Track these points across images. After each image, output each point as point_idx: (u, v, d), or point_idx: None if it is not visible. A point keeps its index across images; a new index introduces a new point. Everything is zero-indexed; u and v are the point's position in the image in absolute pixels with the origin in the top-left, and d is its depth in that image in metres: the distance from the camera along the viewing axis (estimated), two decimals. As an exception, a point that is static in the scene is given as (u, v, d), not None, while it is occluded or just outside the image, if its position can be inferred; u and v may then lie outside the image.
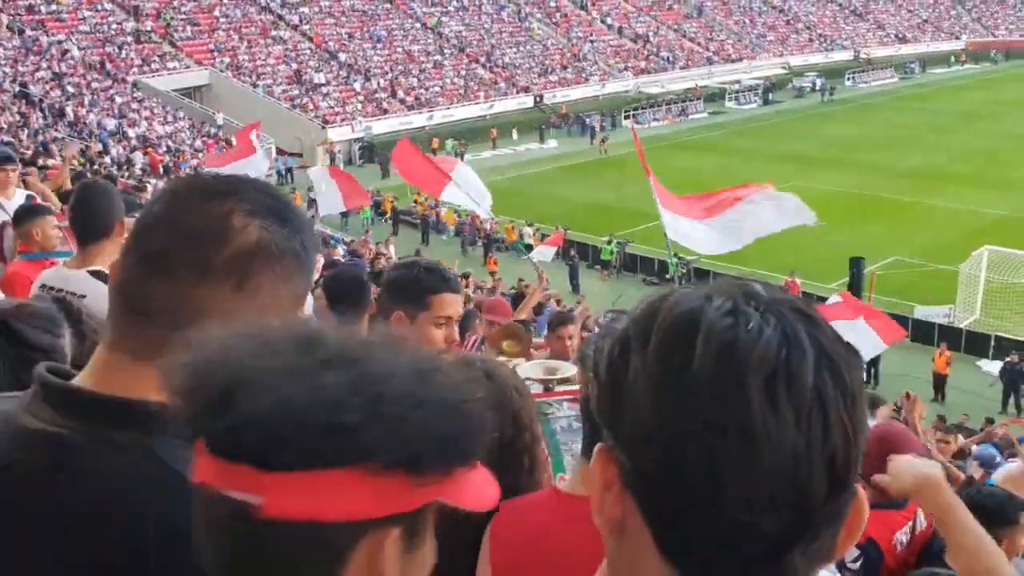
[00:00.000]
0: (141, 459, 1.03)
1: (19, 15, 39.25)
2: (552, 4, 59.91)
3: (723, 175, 35.95)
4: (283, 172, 35.22)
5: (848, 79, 60.39)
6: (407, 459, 0.81)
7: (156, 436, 1.04)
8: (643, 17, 62.42)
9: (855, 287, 19.17)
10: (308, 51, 46.44)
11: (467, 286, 15.69)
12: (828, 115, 50.04)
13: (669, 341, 0.74)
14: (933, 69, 65.97)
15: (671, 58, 58.59)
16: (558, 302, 13.92)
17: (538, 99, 49.18)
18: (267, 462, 0.79)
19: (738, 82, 55.94)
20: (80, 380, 1.11)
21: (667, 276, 25.83)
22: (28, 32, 38.32)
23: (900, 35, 72.52)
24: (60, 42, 38.75)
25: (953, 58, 68.94)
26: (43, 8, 40.42)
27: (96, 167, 23.63)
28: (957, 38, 74.76)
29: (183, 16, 44.49)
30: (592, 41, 57.43)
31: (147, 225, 1.12)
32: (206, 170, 14.28)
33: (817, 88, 56.11)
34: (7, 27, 38.05)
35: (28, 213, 4.50)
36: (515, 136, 44.74)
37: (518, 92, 49.75)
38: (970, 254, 23.72)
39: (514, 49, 53.56)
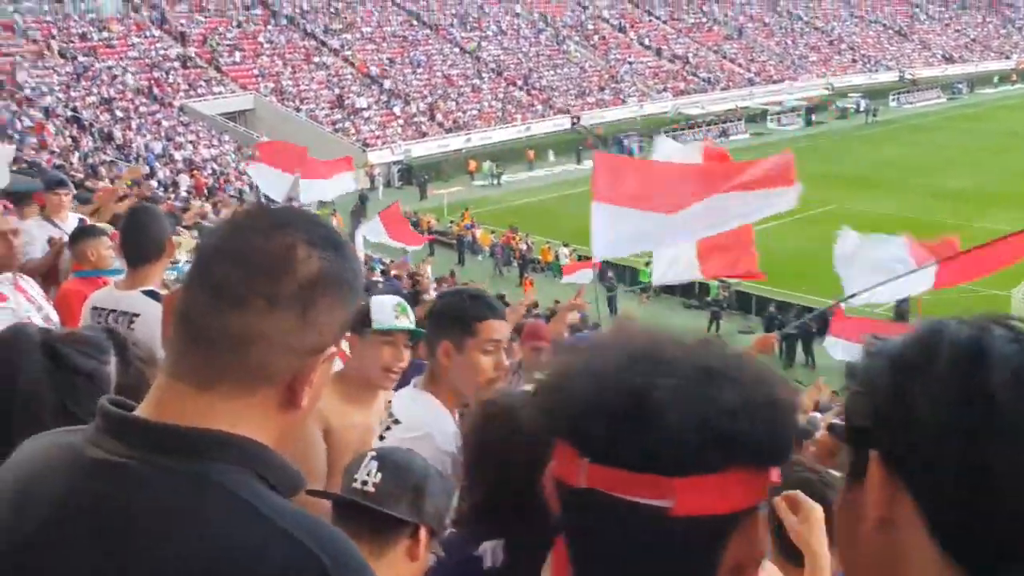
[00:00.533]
0: (205, 487, 1.06)
1: (72, 42, 40.29)
2: (590, 26, 60.21)
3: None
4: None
5: (893, 100, 59.79)
6: (778, 454, 0.98)
7: (216, 464, 1.07)
8: (682, 39, 62.47)
9: (902, 312, 18.84)
10: (350, 76, 47.06)
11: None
12: (872, 136, 49.57)
13: (961, 364, 0.85)
14: (982, 89, 65.06)
15: (711, 79, 58.54)
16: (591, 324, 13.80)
17: (575, 120, 49.30)
18: (677, 470, 0.93)
19: (780, 103, 55.67)
20: (142, 409, 1.13)
21: (708, 299, 25.71)
22: (80, 58, 39.30)
23: (947, 55, 71.81)
24: (110, 68, 39.68)
25: (998, 78, 67.87)
26: (95, 35, 41.45)
27: (142, 189, 24.08)
28: (1007, 57, 73.55)
29: (228, 42, 45.35)
30: (630, 63, 57.57)
31: (213, 256, 1.14)
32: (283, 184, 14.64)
33: (861, 109, 55.67)
34: (59, 54, 39.04)
35: (83, 234, 4.63)
36: (552, 157, 44.89)
37: (555, 114, 49.98)
38: (1023, 278, 23.22)
39: (551, 72, 53.85)
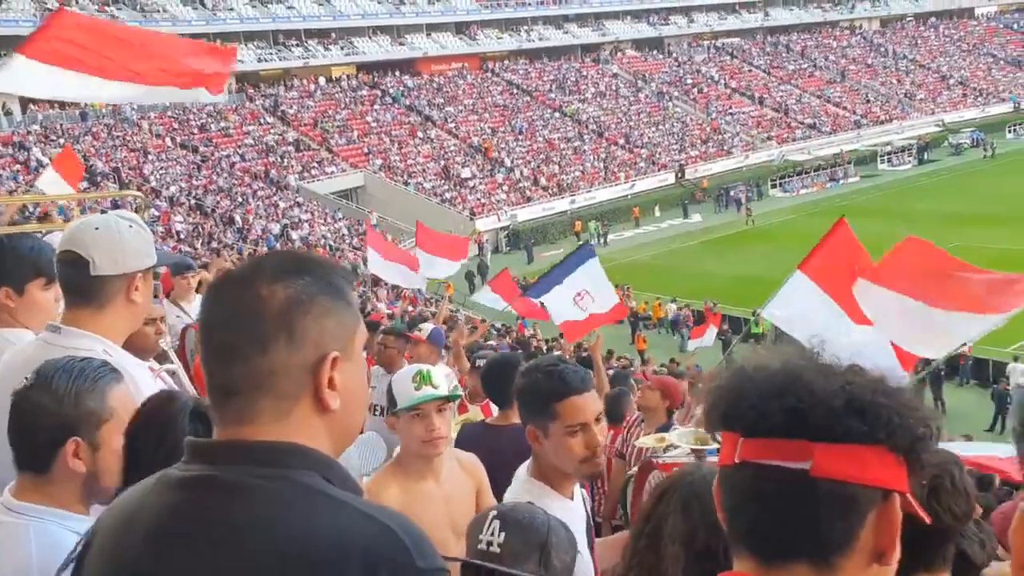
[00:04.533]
0: (290, 486, 1.23)
1: (193, 134, 42.68)
2: (689, 81, 60.25)
3: (878, 238, 34.74)
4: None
5: (1009, 132, 57.60)
6: (908, 448, 1.07)
7: (292, 469, 1.25)
8: (783, 86, 61.85)
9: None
10: (454, 147, 48.24)
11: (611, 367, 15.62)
12: (990, 171, 47.76)
13: None
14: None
15: (816, 124, 57.63)
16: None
17: (679, 175, 49.14)
18: (819, 435, 1.05)
19: (889, 144, 54.30)
20: None
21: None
22: (200, 148, 41.55)
23: (1063, 82, 68.85)
24: (228, 155, 41.78)
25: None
26: (213, 126, 43.79)
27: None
28: None
29: (338, 123, 47.20)
30: (732, 113, 57.25)
31: (205, 324, 1.34)
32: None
33: (977, 144, 53.80)
34: (180, 146, 41.39)
35: None
36: (658, 213, 44.78)
37: (659, 170, 49.95)
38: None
39: (652, 128, 53.99)
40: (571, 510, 2.55)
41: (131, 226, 2.47)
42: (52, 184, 11.01)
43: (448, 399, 2.96)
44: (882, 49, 69.94)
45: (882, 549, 1.07)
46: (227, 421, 1.30)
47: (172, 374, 3.21)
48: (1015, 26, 75.54)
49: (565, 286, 11.32)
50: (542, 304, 11.82)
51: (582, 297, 11.21)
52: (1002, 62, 70.17)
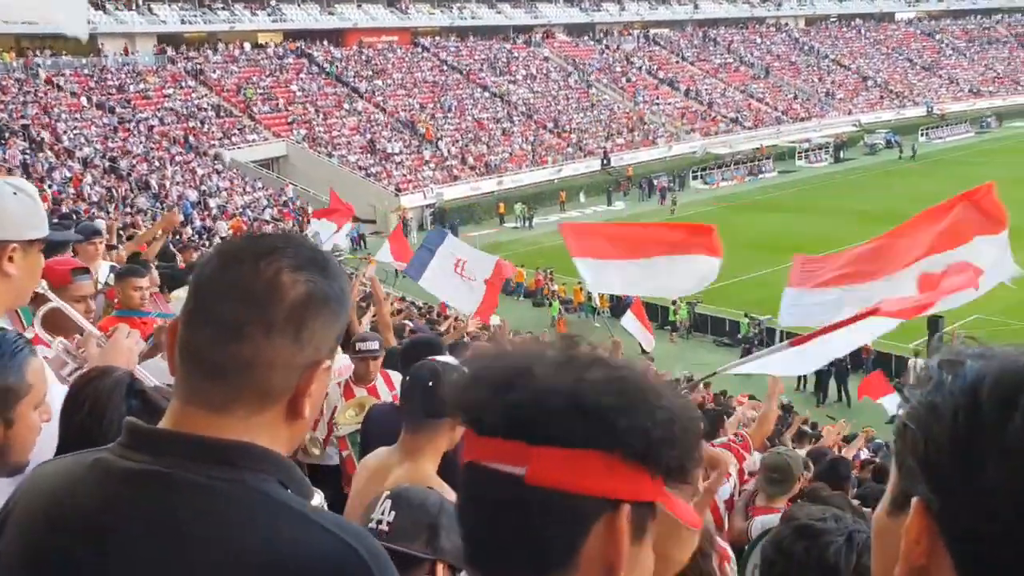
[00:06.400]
0: (247, 492, 1.17)
1: (110, 94, 41.31)
2: (618, 69, 60.69)
3: (792, 233, 35.66)
4: (356, 238, 35.94)
5: (922, 135, 59.59)
6: (643, 452, 0.95)
7: (250, 472, 1.18)
8: (709, 79, 62.77)
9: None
10: (381, 121, 47.73)
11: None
12: (903, 172, 49.32)
13: None
14: (1011, 122, 64.69)
15: (739, 119, 58.69)
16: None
17: (605, 162, 49.56)
18: (533, 437, 0.93)
19: (808, 141, 55.66)
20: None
21: (739, 336, 25.60)
22: (118, 110, 40.26)
23: (974, 89, 71.49)
24: (146, 118, 40.58)
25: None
26: (131, 87, 42.45)
27: (179, 237, 24.48)
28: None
29: (261, 91, 46.23)
30: (658, 104, 57.90)
31: (209, 291, 1.24)
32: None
33: (891, 145, 55.54)
34: (96, 106, 40.03)
35: (117, 275, 4.93)
36: (583, 199, 45.11)
37: (585, 156, 50.28)
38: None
39: (581, 114, 54.28)
40: None
41: (15, 193, 2.27)
42: None
43: None
44: (806, 47, 71.51)
45: (610, 563, 0.96)
46: (198, 403, 1.21)
47: (53, 311, 3.00)
48: (933, 34, 78.10)
49: (439, 257, 11.03)
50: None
51: (460, 266, 10.95)
52: (918, 67, 72.52)
